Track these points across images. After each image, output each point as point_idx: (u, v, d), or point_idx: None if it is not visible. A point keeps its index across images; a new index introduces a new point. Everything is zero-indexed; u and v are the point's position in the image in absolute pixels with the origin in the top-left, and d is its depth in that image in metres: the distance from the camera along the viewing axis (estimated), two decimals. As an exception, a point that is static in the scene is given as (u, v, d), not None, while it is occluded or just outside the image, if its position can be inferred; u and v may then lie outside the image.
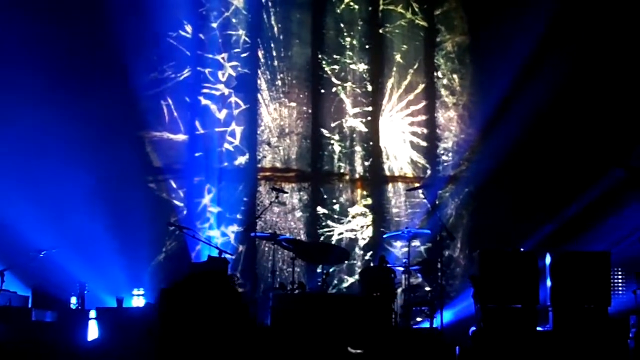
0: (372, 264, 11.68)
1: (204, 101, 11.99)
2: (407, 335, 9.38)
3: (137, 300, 9.98)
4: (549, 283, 9.41)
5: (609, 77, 11.88)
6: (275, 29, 12.24)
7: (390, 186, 12.31)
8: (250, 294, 10.78)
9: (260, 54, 12.18)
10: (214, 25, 12.09)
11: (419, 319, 10.95)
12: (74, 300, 9.42)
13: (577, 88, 11.90)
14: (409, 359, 8.70)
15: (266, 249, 11.72)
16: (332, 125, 12.28)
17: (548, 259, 9.48)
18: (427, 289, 10.23)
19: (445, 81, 12.47)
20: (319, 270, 11.29)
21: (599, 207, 11.39)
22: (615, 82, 11.87)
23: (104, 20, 11.20)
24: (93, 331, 9.08)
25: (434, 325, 9.79)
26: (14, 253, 9.86)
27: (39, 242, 9.87)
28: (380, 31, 12.49)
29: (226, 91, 12.07)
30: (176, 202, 11.73)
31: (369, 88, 12.41)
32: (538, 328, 9.28)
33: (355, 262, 11.92)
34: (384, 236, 11.35)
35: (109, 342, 8.80)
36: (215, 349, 7.40)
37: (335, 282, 11.78)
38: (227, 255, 10.24)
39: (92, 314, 9.24)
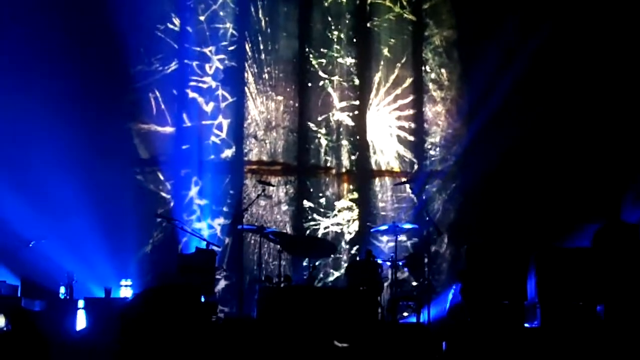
0: (358, 258, 11.70)
1: (191, 94, 11.94)
2: (393, 329, 9.41)
3: (125, 290, 9.96)
4: (537, 279, 9.44)
5: (603, 74, 11.85)
6: (263, 22, 12.21)
7: (377, 180, 12.33)
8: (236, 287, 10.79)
9: (247, 47, 12.14)
10: (202, 18, 12.03)
11: (405, 314, 10.97)
12: (62, 290, 9.40)
13: (568, 83, 11.92)
14: (394, 353, 8.71)
15: (252, 241, 11.69)
16: (319, 118, 12.28)
17: (536, 255, 9.50)
18: (414, 283, 10.25)
19: (433, 75, 12.49)
20: (305, 263, 11.31)
21: (588, 204, 11.46)
22: (612, 80, 11.84)
23: (93, 12, 11.12)
24: (81, 321, 9.07)
25: (421, 320, 9.83)
26: (3, 243, 9.80)
27: (28, 232, 9.82)
28: (368, 25, 12.48)
29: (213, 84, 12.03)
30: (163, 194, 11.67)
31: (356, 82, 12.41)
32: (526, 324, 9.31)
33: (341, 256, 11.94)
34: (371, 230, 11.37)
35: (97, 332, 8.79)
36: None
37: (321, 275, 11.79)
38: (215, 248, 10.22)
39: (80, 303, 9.22)
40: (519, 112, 11.75)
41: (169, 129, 11.80)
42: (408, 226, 10.66)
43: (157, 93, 11.77)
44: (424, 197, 11.71)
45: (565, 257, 9.39)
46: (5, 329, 8.40)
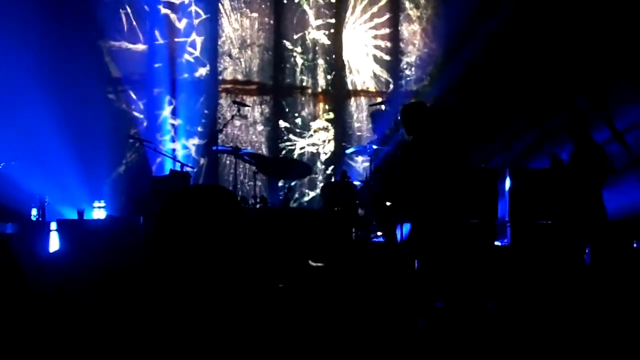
0: (333, 179, 11.70)
1: (163, 10, 11.65)
2: (367, 248, 9.49)
3: (98, 212, 9.92)
4: (508, 199, 9.57)
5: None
6: None
7: (352, 100, 12.25)
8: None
9: (221, -40, 11.84)
10: None
11: (379, 233, 11.03)
12: (34, 212, 9.32)
13: (547, 7, 11.73)
14: (368, 271, 8.81)
15: (228, 162, 11.64)
16: (295, 37, 12.08)
17: (508, 176, 9.59)
18: (388, 204, 10.27)
19: (410, -7, 12.29)
20: (280, 184, 11.32)
21: (561, 127, 11.44)
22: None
23: None
24: (54, 243, 9.04)
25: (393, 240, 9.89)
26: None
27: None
28: (345, -60, 12.18)
29: (186, 0, 11.76)
30: (136, 114, 11.48)
31: (333, -1, 12.20)
32: (496, 242, 9.46)
33: (316, 176, 11.94)
34: (346, 151, 11.35)
35: (70, 254, 8.78)
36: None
37: (297, 196, 11.81)
38: (189, 169, 10.16)
39: (53, 225, 9.18)
40: (497, 33, 11.56)
41: (140, 47, 11.53)
42: (382, 147, 10.60)
43: (128, 9, 11.44)
44: (399, 118, 11.60)
45: (537, 178, 9.51)
46: None
